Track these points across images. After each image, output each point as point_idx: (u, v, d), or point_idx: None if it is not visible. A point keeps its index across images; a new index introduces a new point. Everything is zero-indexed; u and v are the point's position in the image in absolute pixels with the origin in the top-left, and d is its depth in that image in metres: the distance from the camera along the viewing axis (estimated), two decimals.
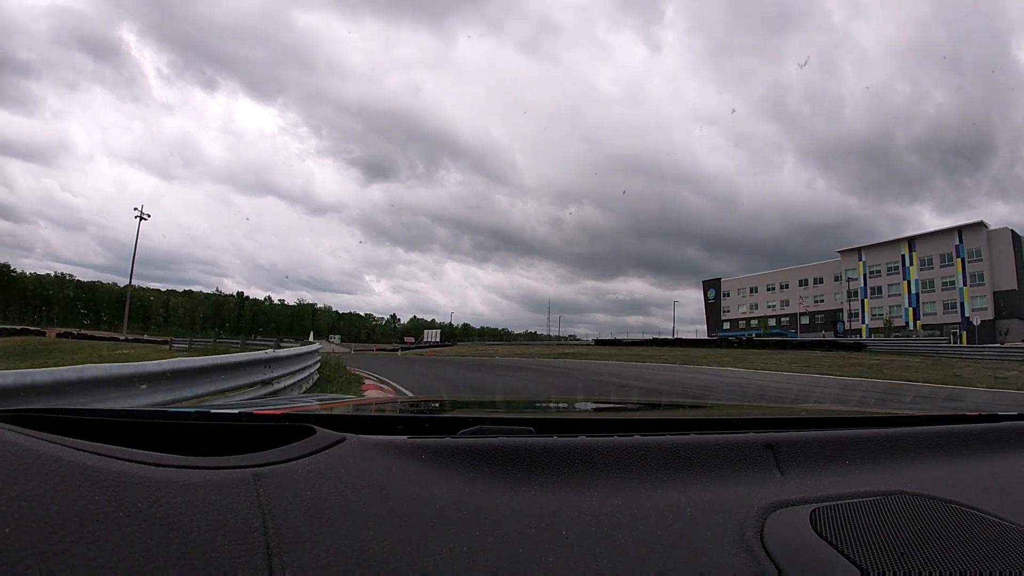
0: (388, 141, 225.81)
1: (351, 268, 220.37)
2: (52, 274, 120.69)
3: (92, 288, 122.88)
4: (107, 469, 0.52)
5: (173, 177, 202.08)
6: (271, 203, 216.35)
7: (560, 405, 2.17)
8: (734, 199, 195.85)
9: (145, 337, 60.30)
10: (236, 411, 0.94)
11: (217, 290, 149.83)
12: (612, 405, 2.04)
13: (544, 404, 2.18)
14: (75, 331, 58.33)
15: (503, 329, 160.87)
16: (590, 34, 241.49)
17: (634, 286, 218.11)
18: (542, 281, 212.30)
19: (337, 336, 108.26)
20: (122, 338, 51.68)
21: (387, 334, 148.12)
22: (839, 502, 0.73)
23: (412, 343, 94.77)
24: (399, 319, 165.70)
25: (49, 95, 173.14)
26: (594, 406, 1.93)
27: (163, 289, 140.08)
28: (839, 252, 73.80)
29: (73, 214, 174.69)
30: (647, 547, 0.61)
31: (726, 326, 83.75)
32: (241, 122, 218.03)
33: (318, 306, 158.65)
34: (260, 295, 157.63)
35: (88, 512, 0.46)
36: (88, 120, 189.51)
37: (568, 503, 0.67)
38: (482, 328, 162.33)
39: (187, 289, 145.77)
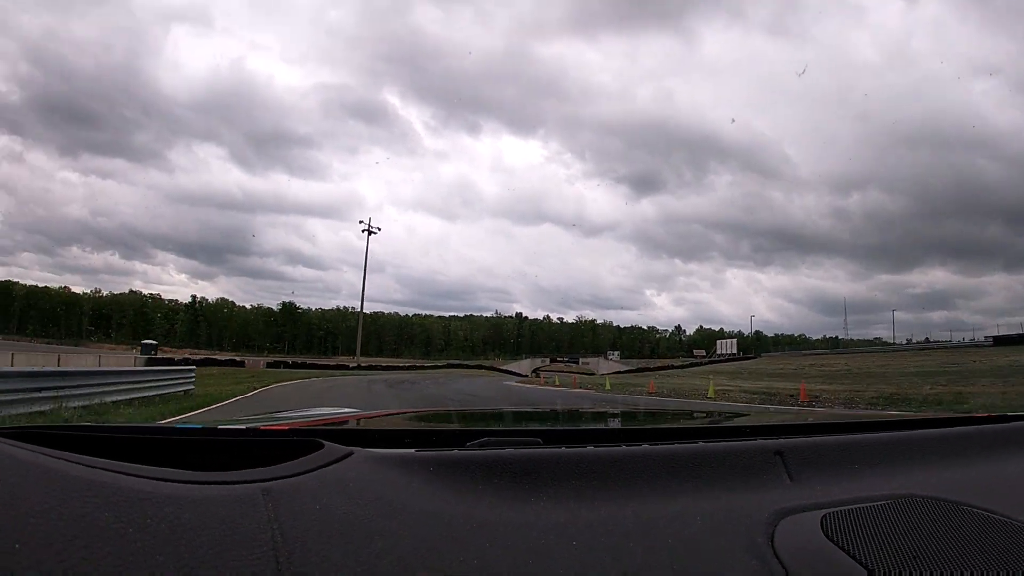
0: (651, 153, 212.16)
1: (631, 284, 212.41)
2: (337, 308, 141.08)
3: (375, 318, 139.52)
4: (115, 485, 0.52)
5: (456, 217, 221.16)
6: (547, 230, 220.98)
7: (568, 416, 2.19)
8: None
9: (353, 364, 58.80)
10: (243, 427, 0.95)
11: (497, 312, 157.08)
12: (620, 415, 2.08)
13: (552, 416, 2.19)
14: (289, 360, 59.84)
15: (800, 335, 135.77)
16: None
17: (934, 277, 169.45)
18: (831, 280, 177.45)
19: (615, 352, 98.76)
20: (352, 364, 50.64)
21: (672, 347, 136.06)
22: (850, 507, 0.73)
23: (703, 357, 79.85)
24: (684, 331, 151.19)
25: (334, 160, 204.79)
26: (602, 417, 2.03)
27: (447, 316, 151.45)
28: None
29: (372, 259, 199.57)
30: (658, 556, 0.61)
31: None
32: (508, 158, 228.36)
33: (598, 322, 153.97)
34: (544, 316, 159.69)
35: (97, 528, 0.46)
36: (372, 177, 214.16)
37: (578, 514, 0.66)
38: (776, 336, 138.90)
39: (468, 314, 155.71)
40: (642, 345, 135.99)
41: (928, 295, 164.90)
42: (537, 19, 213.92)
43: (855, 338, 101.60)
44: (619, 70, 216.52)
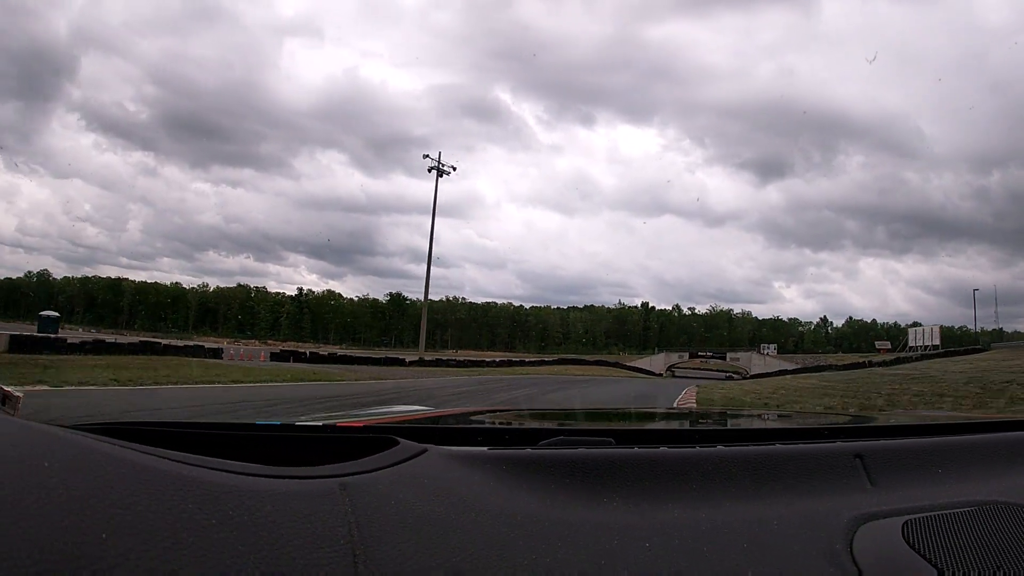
0: (774, 135, 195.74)
1: (757, 276, 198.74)
2: (446, 299, 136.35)
3: (485, 309, 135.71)
4: (197, 478, 0.54)
5: (574, 211, 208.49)
6: (669, 221, 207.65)
7: (641, 416, 2.19)
8: None
9: (413, 358, 44.49)
10: (320, 423, 0.98)
11: (620, 303, 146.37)
12: (693, 415, 2.10)
13: (624, 415, 2.16)
14: (307, 351, 41.14)
15: (960, 328, 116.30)
16: None
17: None
18: (973, 268, 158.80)
19: (772, 346, 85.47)
20: (409, 359, 41.66)
21: (818, 341, 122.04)
22: (932, 513, 0.71)
23: (888, 350, 64.81)
24: (831, 323, 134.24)
25: (451, 160, 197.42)
26: (676, 417, 2.03)
27: (565, 308, 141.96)
28: None
29: (492, 255, 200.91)
30: (732, 560, 0.60)
31: None
32: (624, 148, 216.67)
33: (735, 313, 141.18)
34: (673, 307, 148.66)
35: (180, 519, 0.48)
36: (489, 174, 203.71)
37: (651, 515, 0.66)
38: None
39: (588, 305, 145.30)
40: (785, 339, 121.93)
41: None
42: (644, 1, 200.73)
43: (1013, 331, 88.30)
44: (735, 48, 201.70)
